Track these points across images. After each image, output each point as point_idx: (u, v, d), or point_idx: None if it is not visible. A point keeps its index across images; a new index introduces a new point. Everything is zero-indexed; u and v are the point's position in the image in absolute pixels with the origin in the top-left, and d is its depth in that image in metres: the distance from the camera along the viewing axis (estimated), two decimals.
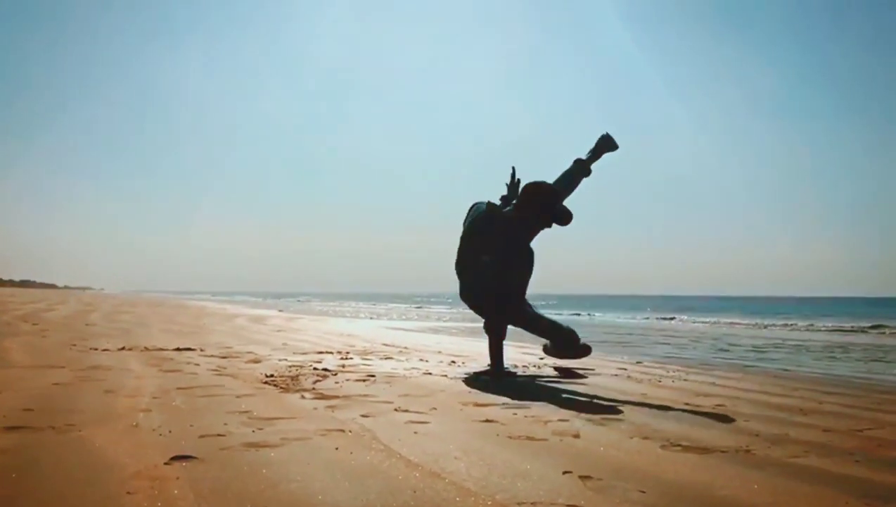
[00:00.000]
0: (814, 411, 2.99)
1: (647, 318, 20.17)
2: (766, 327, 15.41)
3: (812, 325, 16.34)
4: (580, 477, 1.75)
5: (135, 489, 1.56)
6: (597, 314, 23.08)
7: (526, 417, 2.63)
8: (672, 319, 19.51)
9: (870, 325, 15.56)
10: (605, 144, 4.69)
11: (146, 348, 5.13)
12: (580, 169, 4.59)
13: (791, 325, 16.22)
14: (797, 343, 9.49)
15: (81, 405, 2.61)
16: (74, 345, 5.30)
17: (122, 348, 5.06)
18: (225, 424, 2.30)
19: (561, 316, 10.18)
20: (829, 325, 16.32)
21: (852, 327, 15.30)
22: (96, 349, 4.95)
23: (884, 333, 13.42)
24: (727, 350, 7.82)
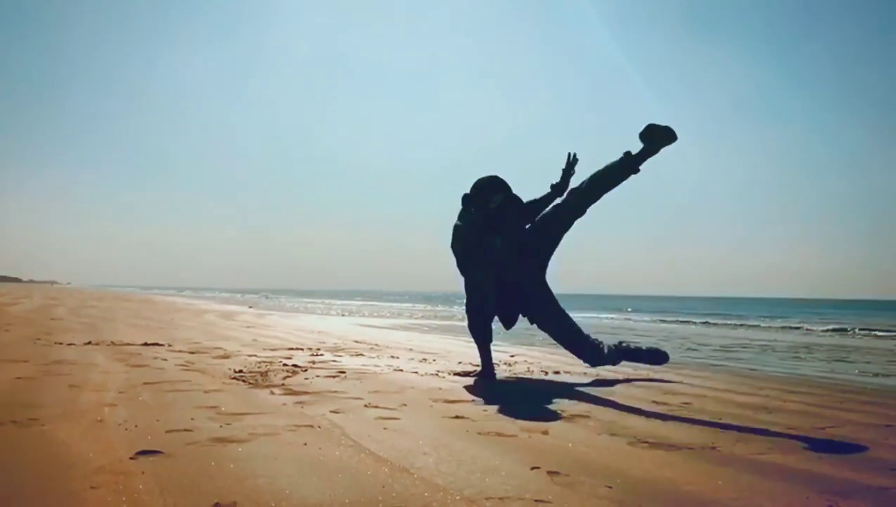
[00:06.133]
0: (778, 410, 3.04)
1: (628, 318, 20.34)
2: (734, 327, 15.65)
3: (778, 326, 16.64)
4: (548, 473, 1.76)
5: (99, 484, 1.53)
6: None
7: (495, 413, 2.64)
8: (652, 320, 19.71)
9: (834, 327, 15.89)
10: (664, 137, 3.81)
11: (113, 343, 5.05)
12: (625, 163, 3.79)
13: (758, 325, 16.50)
14: (764, 343, 9.65)
15: (45, 400, 2.56)
16: (39, 339, 5.20)
17: (88, 343, 4.98)
18: (192, 419, 2.28)
19: None
20: (796, 326, 16.64)
21: (819, 328, 15.61)
22: (61, 344, 4.86)
23: (846, 333, 13.72)
24: (695, 349, 7.93)
